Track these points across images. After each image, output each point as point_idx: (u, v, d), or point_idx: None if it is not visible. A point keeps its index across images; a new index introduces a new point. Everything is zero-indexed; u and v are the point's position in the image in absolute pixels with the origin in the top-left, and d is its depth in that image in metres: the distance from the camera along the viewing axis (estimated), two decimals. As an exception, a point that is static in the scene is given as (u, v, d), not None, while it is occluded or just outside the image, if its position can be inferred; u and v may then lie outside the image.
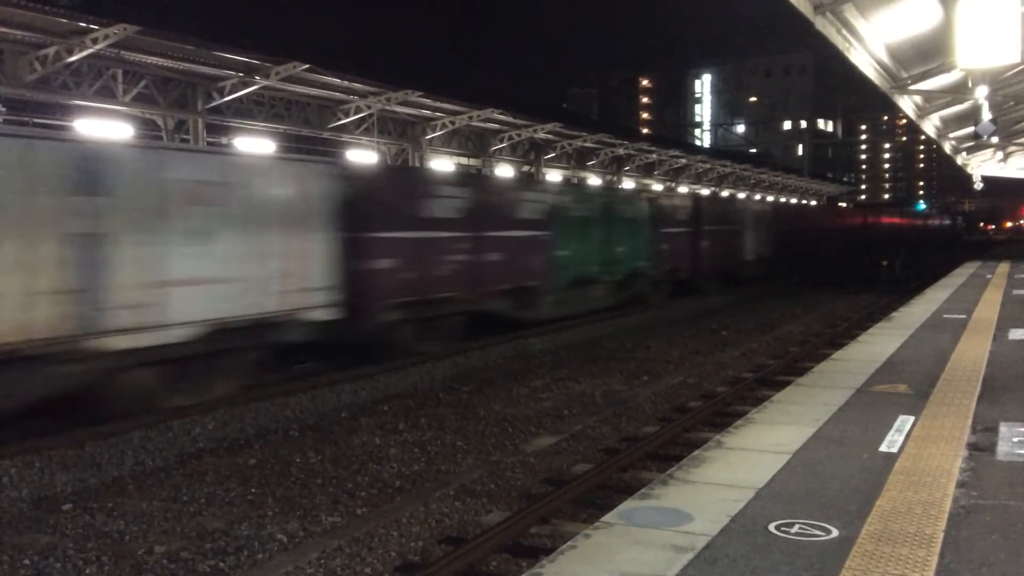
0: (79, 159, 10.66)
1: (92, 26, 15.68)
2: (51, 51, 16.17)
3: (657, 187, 41.91)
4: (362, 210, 14.87)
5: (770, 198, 54.62)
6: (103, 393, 11.14)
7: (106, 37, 15.86)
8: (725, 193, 50.02)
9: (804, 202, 66.32)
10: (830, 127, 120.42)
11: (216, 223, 12.23)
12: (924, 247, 64.78)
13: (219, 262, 12.23)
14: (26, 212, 9.98)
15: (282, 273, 13.31)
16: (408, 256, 15.96)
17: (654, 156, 39.69)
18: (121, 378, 11.23)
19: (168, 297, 11.53)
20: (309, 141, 24.57)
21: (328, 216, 14.22)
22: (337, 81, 21.22)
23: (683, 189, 43.71)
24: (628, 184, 38.93)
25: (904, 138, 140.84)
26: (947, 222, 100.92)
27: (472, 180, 21.77)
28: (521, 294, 19.54)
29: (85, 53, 16.21)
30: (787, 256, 38.61)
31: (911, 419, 7.54)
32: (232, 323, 12.43)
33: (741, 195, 51.52)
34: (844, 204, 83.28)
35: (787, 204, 57.22)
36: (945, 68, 15.51)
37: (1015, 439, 6.88)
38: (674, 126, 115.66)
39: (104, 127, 18.12)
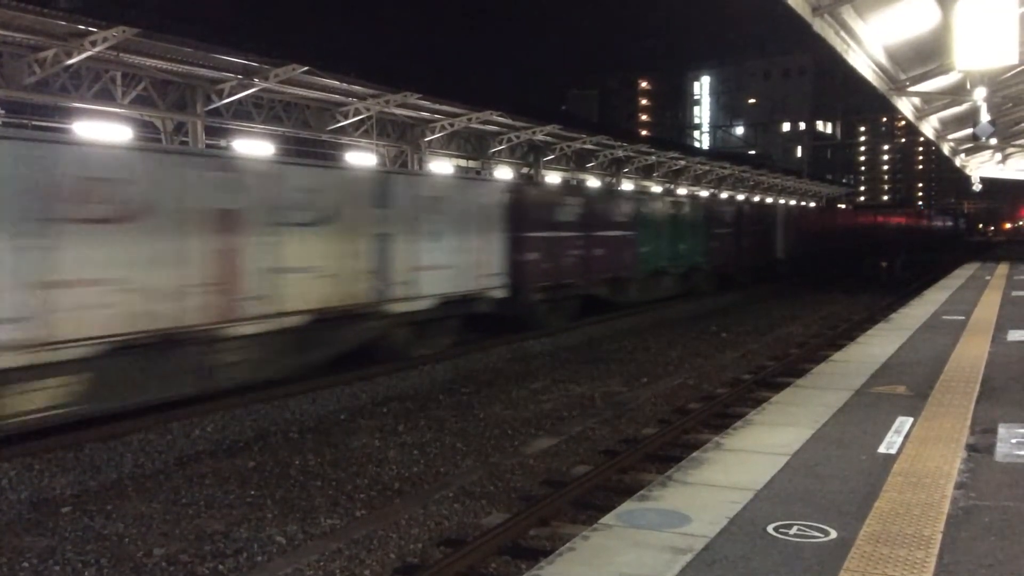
0: (376, 183, 15.86)
1: (91, 29, 15.67)
2: (50, 54, 16.16)
3: (656, 189, 41.92)
4: (518, 216, 19.93)
5: (780, 200, 54.72)
6: (382, 344, 15.93)
7: (105, 40, 15.86)
8: (757, 198, 53.82)
9: (827, 205, 70.14)
10: (829, 129, 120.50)
11: (443, 227, 17.37)
12: (932, 246, 69.00)
13: (445, 254, 17.36)
14: (353, 219, 15.07)
15: (477, 263, 18.50)
16: (546, 251, 20.98)
17: (653, 158, 39.68)
18: (393, 333, 16.10)
19: (419, 278, 16.63)
20: (308, 143, 24.57)
21: (500, 220, 19.38)
22: (336, 83, 21.22)
23: (682, 191, 43.72)
24: (627, 186, 38.97)
25: (903, 140, 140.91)
26: (950, 223, 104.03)
27: (583, 191, 27.97)
28: (616, 282, 24.49)
29: (84, 56, 16.20)
30: (812, 253, 42.65)
31: (910, 420, 7.55)
32: (452, 297, 17.57)
33: (768, 199, 55.64)
34: (862, 205, 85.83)
35: (810, 207, 62.14)
36: (943, 70, 15.52)
37: (1014, 440, 6.88)
38: (673, 128, 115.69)
39: (103, 129, 18.11)
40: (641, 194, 32.92)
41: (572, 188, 28.41)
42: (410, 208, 16.47)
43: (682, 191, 43.62)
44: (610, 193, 30.30)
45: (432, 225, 17.03)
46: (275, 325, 13.28)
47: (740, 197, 50.83)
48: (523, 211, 20.22)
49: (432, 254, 16.96)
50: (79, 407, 10.70)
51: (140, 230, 11.28)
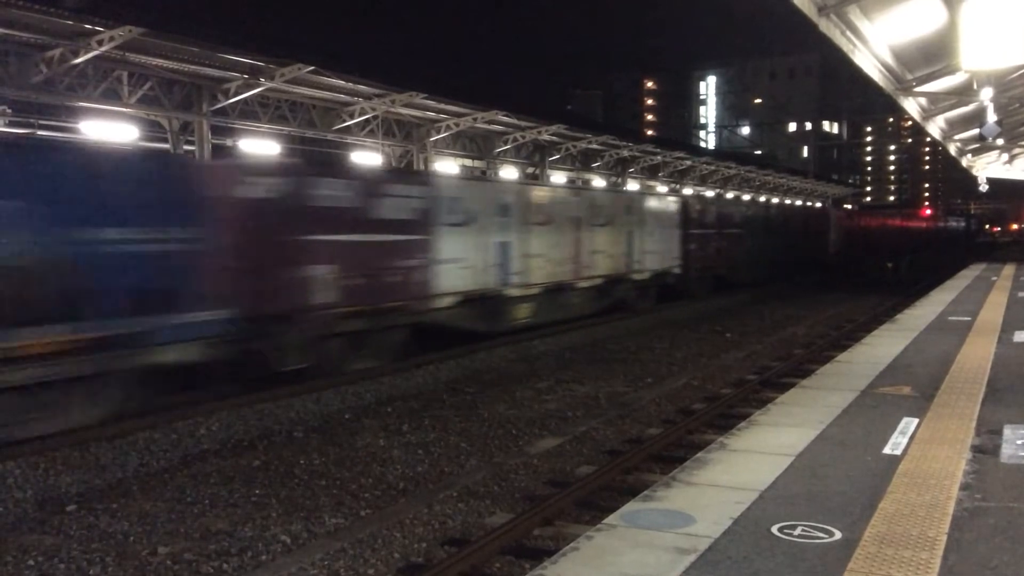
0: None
1: (97, 28, 15.70)
2: (56, 53, 16.19)
3: (662, 188, 41.88)
4: (687, 218, 29.06)
5: (790, 201, 54.72)
6: (625, 299, 25.29)
7: (111, 39, 15.89)
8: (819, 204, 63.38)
9: (865, 208, 78.90)
10: (835, 129, 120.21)
11: (655, 227, 27.05)
12: (949, 245, 76.51)
13: (655, 244, 27.06)
14: (625, 222, 24.92)
15: (668, 250, 27.88)
16: (700, 244, 30.15)
17: (659, 158, 39.65)
18: (630, 293, 25.51)
19: (644, 259, 26.37)
20: (314, 143, 24.59)
21: (677, 222, 28.49)
22: (341, 83, 21.23)
23: (688, 191, 43.67)
24: (633, 186, 38.98)
25: (909, 140, 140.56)
26: (963, 224, 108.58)
27: (712, 202, 36.61)
28: (731, 266, 33.24)
29: (90, 55, 16.23)
30: (854, 251, 51.29)
31: (915, 421, 7.53)
32: (657, 272, 27.04)
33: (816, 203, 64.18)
34: (885, 206, 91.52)
35: (851, 210, 70.59)
36: (950, 70, 15.47)
37: (1019, 442, 6.86)
38: (679, 128, 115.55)
39: (110, 129, 18.14)
40: (750, 202, 43.53)
41: (709, 199, 38.16)
42: (646, 215, 26.59)
43: (688, 191, 43.57)
44: (732, 199, 42.12)
45: (652, 226, 26.67)
46: (591, 283, 23.43)
47: (798, 202, 58.75)
48: (688, 216, 29.24)
49: (650, 244, 26.42)
50: (533, 319, 20.65)
51: (552, 229, 21.58)
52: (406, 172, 23.05)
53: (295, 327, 13.89)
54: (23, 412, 10.35)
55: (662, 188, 40.80)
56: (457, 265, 17.96)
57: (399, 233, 16.31)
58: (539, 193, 22.64)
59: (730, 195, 47.58)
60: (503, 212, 19.88)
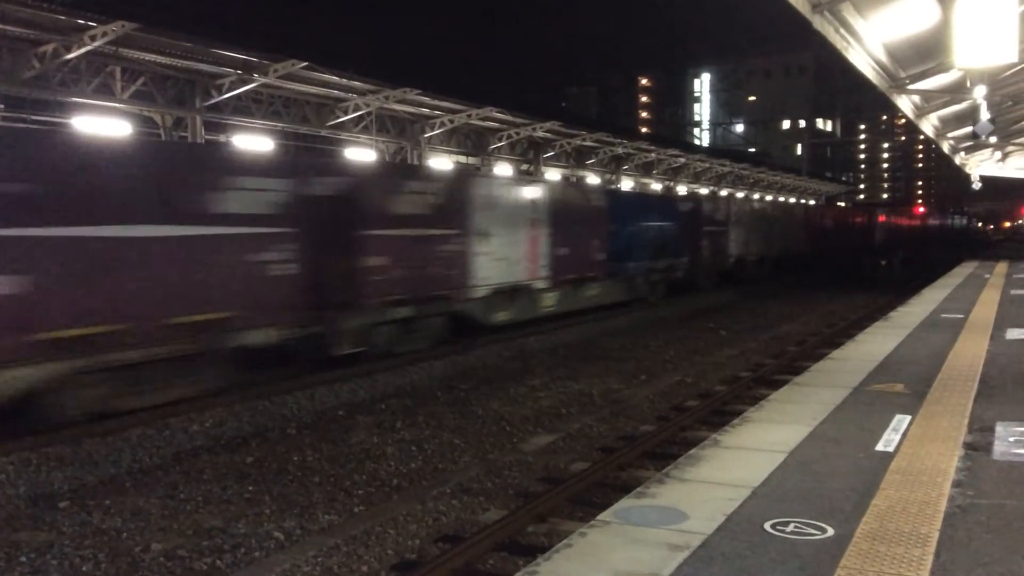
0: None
1: (90, 23, 15.66)
2: (49, 48, 16.14)
3: (656, 186, 41.91)
4: (695, 219, 30.61)
5: (772, 198, 54.87)
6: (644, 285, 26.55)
7: (104, 34, 15.84)
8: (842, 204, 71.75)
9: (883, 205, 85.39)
10: (829, 127, 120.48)
11: (675, 228, 28.65)
12: (949, 243, 79.15)
13: (673, 243, 28.48)
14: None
15: (681, 247, 28.91)
16: (709, 242, 31.74)
17: (653, 155, 39.70)
18: (651, 282, 26.81)
19: (658, 254, 27.51)
20: (307, 139, 24.56)
21: (690, 223, 29.84)
22: (335, 79, 21.20)
23: (682, 189, 43.71)
24: (627, 184, 38.99)
25: (903, 138, 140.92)
26: (963, 222, 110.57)
27: (723, 201, 37.07)
28: (737, 263, 34.52)
29: (83, 50, 16.19)
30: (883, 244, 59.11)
31: (908, 418, 7.55)
32: (669, 265, 27.99)
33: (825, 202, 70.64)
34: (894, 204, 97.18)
35: (869, 205, 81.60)
36: (943, 68, 15.50)
37: (1011, 439, 6.88)
38: (673, 125, 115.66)
39: (102, 124, 18.09)
40: (771, 203, 46.97)
41: (719, 198, 40.44)
42: (678, 219, 28.82)
43: (682, 189, 43.59)
44: (754, 200, 45.51)
45: (671, 228, 28.25)
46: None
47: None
48: (697, 217, 30.63)
49: (666, 243, 27.90)
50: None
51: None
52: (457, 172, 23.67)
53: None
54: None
55: (676, 188, 43.90)
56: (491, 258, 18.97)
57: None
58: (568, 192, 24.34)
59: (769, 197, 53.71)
60: (537, 210, 20.98)
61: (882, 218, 64.93)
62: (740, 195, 48.96)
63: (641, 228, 25.92)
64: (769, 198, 51.79)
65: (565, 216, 21.64)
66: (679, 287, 28.86)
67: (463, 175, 20.63)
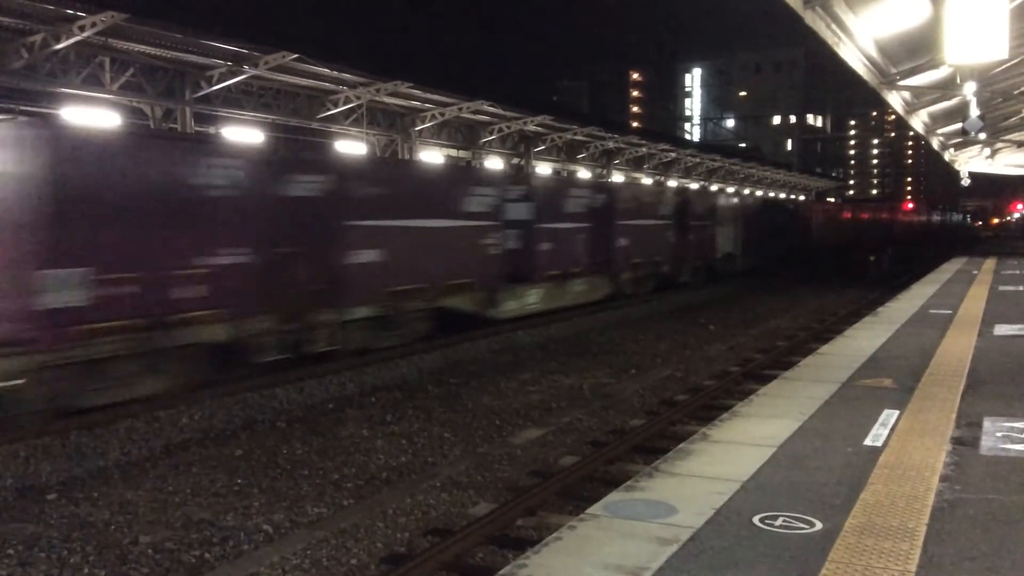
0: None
1: (79, 13, 15.55)
2: (38, 38, 16.03)
3: (647, 181, 41.95)
4: (747, 216, 36.37)
5: (760, 193, 55.03)
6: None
7: (93, 25, 15.74)
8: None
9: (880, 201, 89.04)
10: (819, 122, 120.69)
11: (728, 223, 33.61)
12: (947, 238, 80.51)
13: (726, 237, 33.57)
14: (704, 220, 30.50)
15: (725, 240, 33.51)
16: (757, 235, 36.64)
17: (644, 150, 39.73)
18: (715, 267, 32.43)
19: (718, 247, 33.58)
20: (298, 131, 24.48)
21: (741, 219, 35.51)
22: (326, 71, 21.13)
23: (672, 183, 43.77)
24: (618, 177, 39.02)
25: (893, 134, 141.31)
26: (958, 218, 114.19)
27: (757, 202, 42.46)
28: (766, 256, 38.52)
29: (72, 41, 16.08)
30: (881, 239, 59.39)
31: (896, 413, 7.58)
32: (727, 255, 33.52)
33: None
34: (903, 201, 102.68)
35: (873, 203, 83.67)
36: (934, 64, 15.56)
37: (999, 434, 6.92)
38: (664, 120, 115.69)
39: (92, 116, 17.99)
40: (791, 202, 53.43)
41: (763, 200, 46.29)
42: (719, 215, 32.78)
43: (672, 183, 43.66)
44: (773, 200, 51.19)
45: (729, 222, 33.64)
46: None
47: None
48: (749, 214, 36.17)
49: (727, 237, 33.67)
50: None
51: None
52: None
53: None
54: None
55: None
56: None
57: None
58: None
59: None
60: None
61: (866, 215, 66.59)
62: (726, 190, 49.13)
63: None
64: (759, 193, 52.06)
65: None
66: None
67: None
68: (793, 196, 63.61)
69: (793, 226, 43.58)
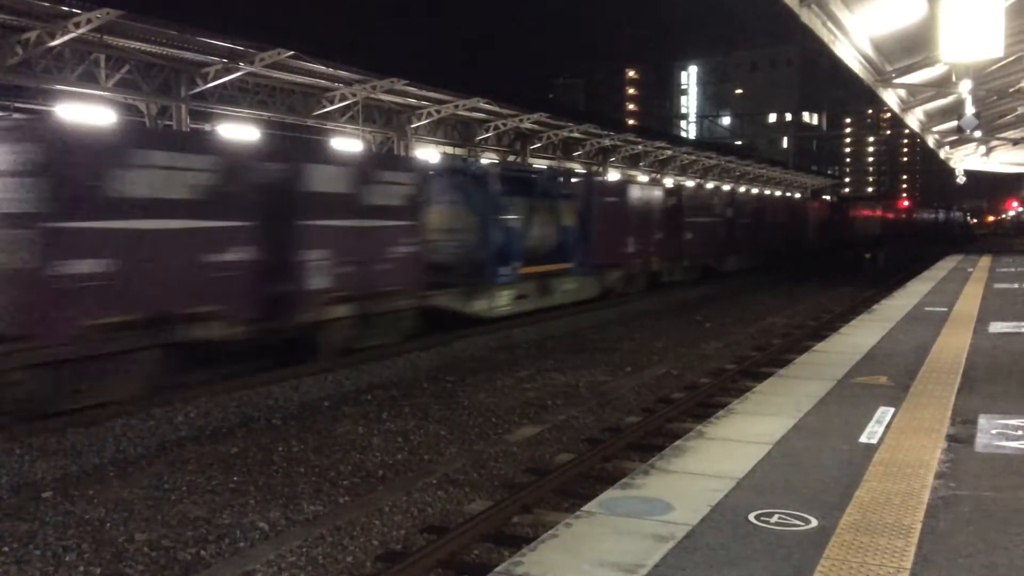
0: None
1: (75, 10, 15.52)
2: (33, 35, 15.99)
3: (643, 178, 41.98)
4: (756, 213, 39.14)
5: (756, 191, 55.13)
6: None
7: (89, 21, 15.71)
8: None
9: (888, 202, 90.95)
10: (815, 120, 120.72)
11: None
12: (948, 236, 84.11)
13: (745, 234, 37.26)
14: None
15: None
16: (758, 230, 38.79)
17: (640, 147, 39.75)
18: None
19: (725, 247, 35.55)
20: (294, 128, 24.46)
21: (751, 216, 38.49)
22: (322, 68, 21.11)
23: (668, 181, 43.80)
24: (614, 175, 39.03)
25: (888, 132, 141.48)
26: (942, 217, 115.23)
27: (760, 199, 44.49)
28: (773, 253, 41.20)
29: (67, 37, 16.05)
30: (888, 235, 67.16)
31: (891, 411, 7.60)
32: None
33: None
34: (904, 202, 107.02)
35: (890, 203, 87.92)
36: (929, 62, 15.57)
37: (994, 431, 6.94)
38: (660, 118, 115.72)
39: (87, 112, 17.95)
40: (809, 199, 57.34)
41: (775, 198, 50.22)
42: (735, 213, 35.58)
43: (668, 181, 43.68)
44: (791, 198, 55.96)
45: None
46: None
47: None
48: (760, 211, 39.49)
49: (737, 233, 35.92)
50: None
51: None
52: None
53: None
54: None
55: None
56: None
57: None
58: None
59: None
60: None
61: (863, 212, 67.89)
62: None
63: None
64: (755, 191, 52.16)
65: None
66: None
67: None
68: (790, 194, 63.69)
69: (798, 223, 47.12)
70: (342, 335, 15.05)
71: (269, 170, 13.57)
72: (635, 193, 27.43)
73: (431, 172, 19.52)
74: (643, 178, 42.05)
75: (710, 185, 47.83)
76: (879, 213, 72.93)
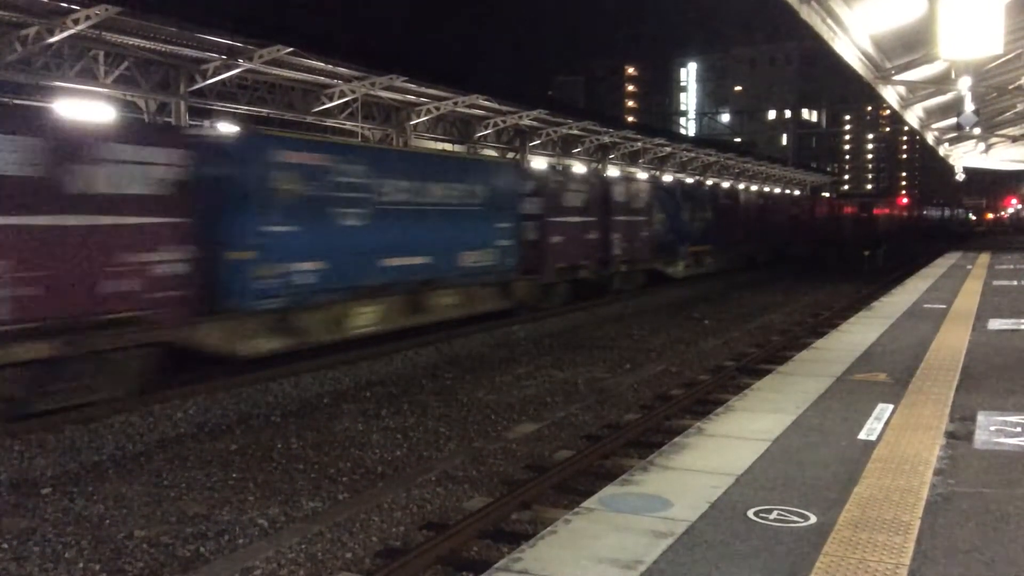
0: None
1: (73, 6, 15.48)
2: (31, 31, 15.96)
3: (642, 175, 41.98)
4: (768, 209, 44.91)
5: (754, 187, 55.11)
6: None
7: (87, 18, 15.67)
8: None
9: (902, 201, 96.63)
10: (814, 117, 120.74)
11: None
12: (954, 233, 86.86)
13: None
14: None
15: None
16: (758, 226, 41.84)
17: (639, 144, 39.72)
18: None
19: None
20: (293, 125, 24.42)
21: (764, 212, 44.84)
22: (321, 65, 21.08)
23: (668, 178, 43.80)
24: (613, 172, 39.02)
25: (887, 129, 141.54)
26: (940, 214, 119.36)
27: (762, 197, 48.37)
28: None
29: (66, 34, 16.01)
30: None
31: (890, 407, 7.60)
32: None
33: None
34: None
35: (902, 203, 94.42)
36: (929, 59, 15.56)
37: (992, 428, 6.94)
38: (659, 114, 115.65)
39: (86, 109, 17.92)
40: (831, 198, 63.93)
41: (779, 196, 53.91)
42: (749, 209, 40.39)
43: (667, 178, 43.68)
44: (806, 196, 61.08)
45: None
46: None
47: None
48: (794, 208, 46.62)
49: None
50: None
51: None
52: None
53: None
54: None
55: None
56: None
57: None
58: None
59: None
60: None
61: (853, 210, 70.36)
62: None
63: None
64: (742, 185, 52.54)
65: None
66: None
67: None
68: (788, 191, 63.73)
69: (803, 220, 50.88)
70: (620, 281, 26.27)
71: (615, 192, 25.71)
72: (743, 196, 40.52)
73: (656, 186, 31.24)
74: (753, 187, 50.13)
75: (777, 190, 58.52)
76: (895, 211, 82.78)
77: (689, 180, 45.19)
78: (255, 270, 13.14)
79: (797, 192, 66.07)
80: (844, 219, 60.27)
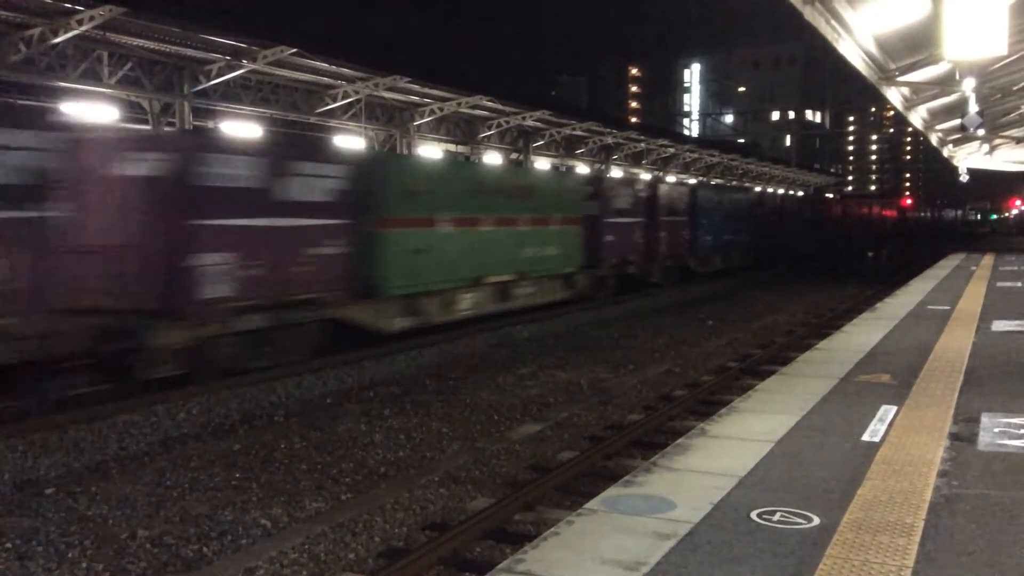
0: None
1: (77, 7, 15.51)
2: (36, 32, 15.99)
3: (645, 176, 41.97)
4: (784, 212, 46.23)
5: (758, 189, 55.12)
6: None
7: (91, 18, 15.71)
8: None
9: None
10: (818, 118, 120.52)
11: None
12: (969, 234, 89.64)
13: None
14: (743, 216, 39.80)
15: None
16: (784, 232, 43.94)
17: (643, 145, 39.72)
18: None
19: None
20: (296, 126, 24.45)
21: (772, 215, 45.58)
22: (325, 66, 21.10)
23: (671, 178, 43.79)
24: (616, 172, 39.00)
25: (891, 130, 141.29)
26: (975, 216, 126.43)
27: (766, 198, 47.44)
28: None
29: (70, 34, 16.05)
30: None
31: (894, 409, 7.59)
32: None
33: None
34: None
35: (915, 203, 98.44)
36: (933, 60, 15.51)
37: (996, 429, 6.93)
38: (663, 115, 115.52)
39: (90, 110, 17.95)
40: (851, 196, 69.61)
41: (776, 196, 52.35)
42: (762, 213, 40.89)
43: (671, 178, 43.67)
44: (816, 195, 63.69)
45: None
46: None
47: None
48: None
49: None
50: None
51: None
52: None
53: None
54: None
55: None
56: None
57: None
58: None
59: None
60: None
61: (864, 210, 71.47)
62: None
63: None
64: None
65: None
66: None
67: None
68: (792, 192, 63.69)
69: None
70: (660, 276, 28.20)
71: (661, 195, 28.32)
72: (767, 198, 44.00)
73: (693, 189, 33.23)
74: (780, 190, 51.40)
75: (800, 193, 61.02)
76: (906, 213, 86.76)
77: (720, 182, 49.68)
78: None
79: (814, 193, 68.91)
80: (859, 219, 62.10)
